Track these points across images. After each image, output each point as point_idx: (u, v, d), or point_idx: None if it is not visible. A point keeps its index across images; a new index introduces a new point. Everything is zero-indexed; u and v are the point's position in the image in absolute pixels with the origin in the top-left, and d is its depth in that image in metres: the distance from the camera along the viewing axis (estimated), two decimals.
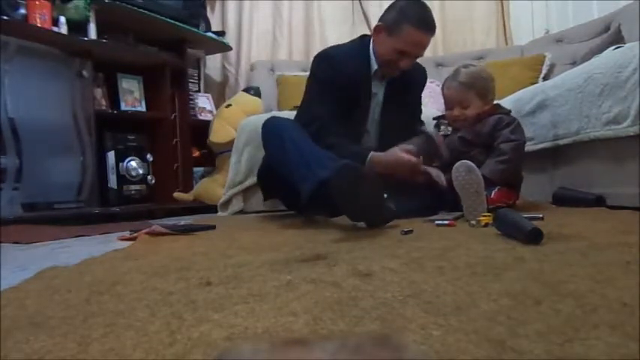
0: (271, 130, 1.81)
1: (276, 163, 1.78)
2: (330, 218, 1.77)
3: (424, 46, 1.87)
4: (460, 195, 1.55)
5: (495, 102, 1.93)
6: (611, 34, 2.55)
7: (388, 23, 1.85)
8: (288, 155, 1.65)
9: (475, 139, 1.83)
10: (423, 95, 2.21)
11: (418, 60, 1.97)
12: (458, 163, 1.57)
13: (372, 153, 1.76)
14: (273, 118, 1.91)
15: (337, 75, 1.89)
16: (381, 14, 1.91)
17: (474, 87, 1.84)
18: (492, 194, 1.66)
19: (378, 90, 1.99)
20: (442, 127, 1.94)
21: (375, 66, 1.93)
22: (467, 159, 1.72)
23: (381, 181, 1.46)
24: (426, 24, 1.82)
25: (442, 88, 1.94)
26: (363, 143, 1.98)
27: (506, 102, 2.28)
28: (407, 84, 2.00)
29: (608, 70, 1.70)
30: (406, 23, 1.79)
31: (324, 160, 1.56)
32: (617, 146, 1.69)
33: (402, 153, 1.72)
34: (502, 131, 1.79)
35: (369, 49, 1.94)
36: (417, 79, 2.09)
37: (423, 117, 2.16)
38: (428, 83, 2.23)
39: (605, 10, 2.91)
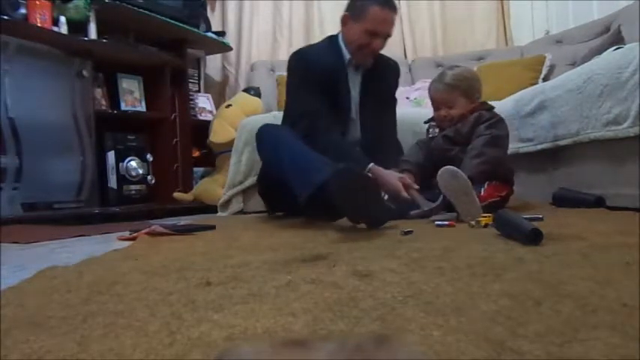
0: (265, 139, 1.89)
1: (274, 171, 1.82)
2: (330, 222, 1.77)
3: (391, 24, 1.97)
4: (451, 200, 1.55)
5: (490, 102, 1.93)
6: (611, 35, 2.56)
7: (353, 11, 1.96)
8: (284, 163, 1.69)
9: (457, 138, 1.84)
10: (422, 96, 2.21)
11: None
12: (441, 170, 1.55)
13: (372, 164, 1.79)
14: (266, 126, 1.97)
15: (314, 68, 1.99)
16: None
17: (458, 87, 1.87)
18: (482, 191, 1.64)
19: (355, 80, 2.08)
20: (431, 130, 1.97)
21: (347, 55, 2.03)
22: (449, 158, 1.73)
23: (377, 184, 1.47)
24: (389, 2, 1.94)
25: (429, 90, 1.97)
26: (350, 132, 2.07)
27: (506, 102, 2.27)
28: (381, 73, 2.11)
29: (608, 70, 1.70)
30: (370, 5, 1.91)
31: (320, 165, 1.59)
32: (617, 147, 1.69)
33: (399, 183, 1.73)
34: (479, 127, 1.79)
35: (338, 43, 2.06)
36: (390, 69, 2.18)
37: (419, 117, 2.15)
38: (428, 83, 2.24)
39: (605, 10, 2.91)
